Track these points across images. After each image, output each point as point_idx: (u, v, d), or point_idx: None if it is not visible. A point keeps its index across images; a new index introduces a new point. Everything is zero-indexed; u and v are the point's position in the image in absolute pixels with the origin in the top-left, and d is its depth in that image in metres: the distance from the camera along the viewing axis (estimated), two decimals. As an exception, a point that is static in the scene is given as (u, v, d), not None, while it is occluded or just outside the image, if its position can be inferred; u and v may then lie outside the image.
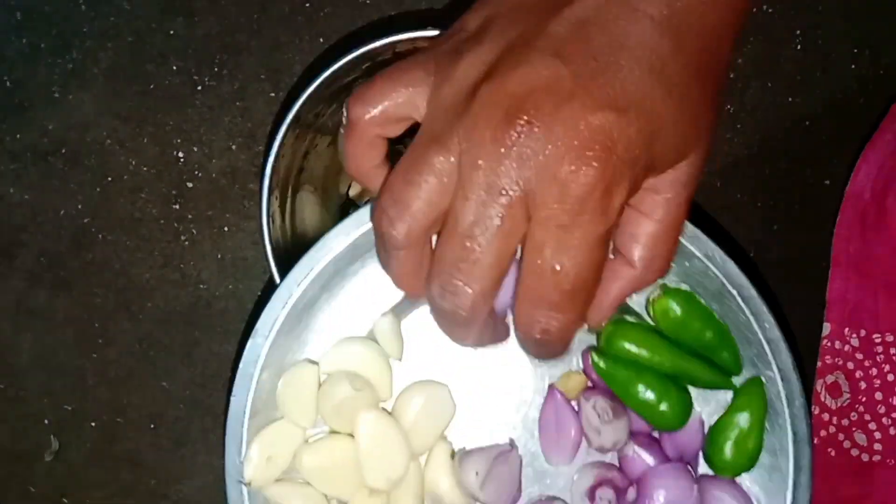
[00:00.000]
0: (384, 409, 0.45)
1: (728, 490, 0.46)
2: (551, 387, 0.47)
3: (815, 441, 0.56)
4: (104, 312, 0.58)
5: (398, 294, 0.45)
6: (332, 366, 0.45)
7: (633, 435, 0.46)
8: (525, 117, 0.34)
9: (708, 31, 0.37)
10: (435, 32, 0.48)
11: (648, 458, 0.46)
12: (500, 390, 0.47)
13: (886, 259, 0.56)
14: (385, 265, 0.39)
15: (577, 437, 0.46)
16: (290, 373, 0.45)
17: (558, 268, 0.35)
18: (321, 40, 0.59)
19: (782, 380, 0.45)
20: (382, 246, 0.38)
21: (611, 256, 0.39)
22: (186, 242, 0.58)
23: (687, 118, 0.36)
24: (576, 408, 0.47)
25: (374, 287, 0.45)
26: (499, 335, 0.41)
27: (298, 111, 0.48)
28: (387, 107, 0.38)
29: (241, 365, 0.44)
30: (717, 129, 0.39)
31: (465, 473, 0.45)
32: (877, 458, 0.55)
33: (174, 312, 0.58)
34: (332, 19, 0.59)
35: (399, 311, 0.46)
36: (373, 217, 0.38)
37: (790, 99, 0.59)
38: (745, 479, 0.46)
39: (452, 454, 0.46)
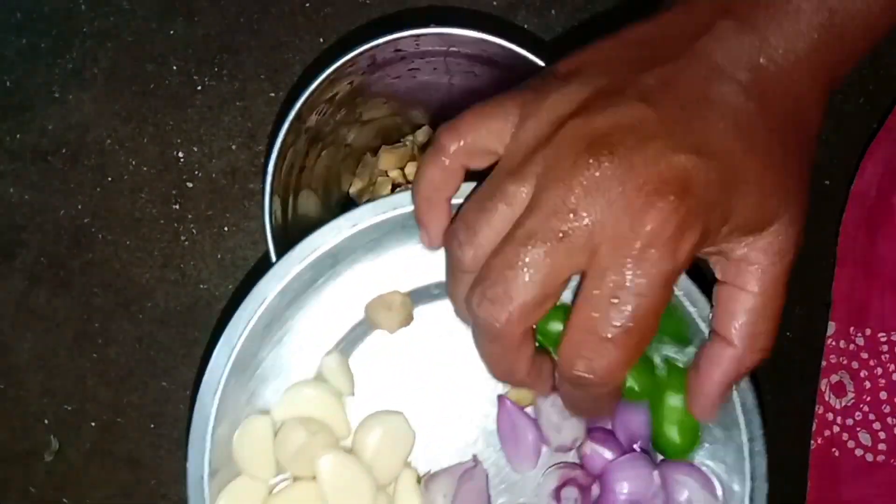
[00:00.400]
0: (343, 448, 0.45)
1: (687, 472, 0.45)
2: (500, 397, 0.46)
3: (819, 441, 0.56)
4: (104, 312, 0.58)
5: (341, 331, 0.45)
6: (285, 413, 0.45)
7: (588, 432, 0.47)
8: (607, 150, 0.34)
9: (795, 99, 0.37)
10: (436, 31, 0.48)
11: (606, 453, 0.46)
12: (457, 408, 0.47)
13: (892, 258, 0.56)
14: (450, 286, 0.39)
15: (536, 441, 0.46)
16: (242, 427, 0.44)
17: (616, 300, 0.34)
18: (321, 40, 0.59)
19: None
20: (450, 268, 0.38)
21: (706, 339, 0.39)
22: (186, 242, 0.58)
23: (769, 179, 0.36)
24: (531, 414, 0.47)
25: (314, 328, 0.45)
26: (536, 381, 0.40)
27: (298, 111, 0.48)
28: (476, 137, 0.38)
29: (192, 427, 0.44)
30: (808, 203, 0.38)
31: (432, 497, 0.45)
32: (881, 458, 0.55)
33: (174, 312, 0.58)
34: (332, 19, 0.59)
35: (345, 349, 0.46)
36: (446, 239, 0.38)
37: (790, 99, 0.59)
38: (703, 458, 0.46)
39: (418, 479, 0.46)
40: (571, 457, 0.47)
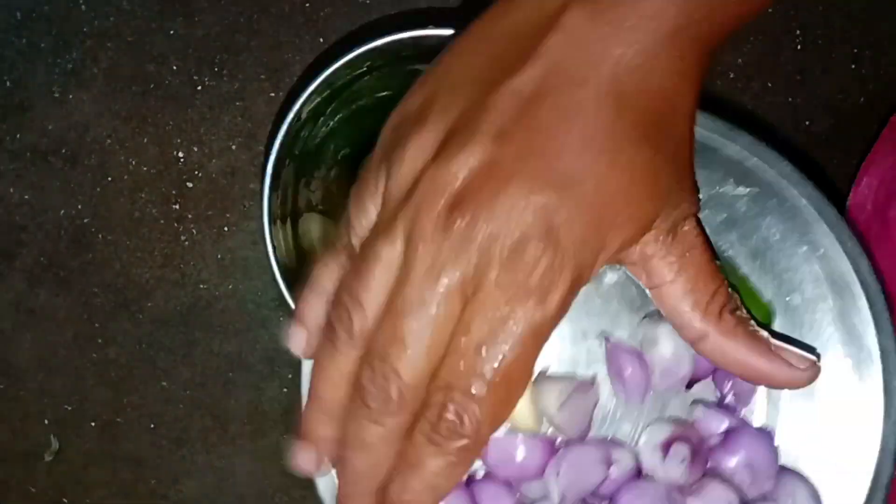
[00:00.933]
0: None
1: (801, 485, 0.45)
2: (606, 339, 0.46)
3: None
4: (104, 312, 0.58)
5: None
6: None
7: (697, 402, 0.45)
8: (465, 205, 0.33)
9: (659, 85, 0.35)
10: (436, 32, 0.48)
11: (722, 421, 0.45)
12: (592, 323, 0.46)
13: (889, 271, 0.56)
14: (325, 361, 0.37)
15: (644, 377, 0.45)
16: None
17: (484, 352, 0.33)
18: (321, 40, 0.59)
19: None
20: (332, 344, 0.36)
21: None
22: (186, 242, 0.58)
23: (640, 190, 0.35)
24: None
25: None
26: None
27: (298, 111, 0.48)
28: (361, 219, 0.36)
29: None
30: (691, 174, 0.37)
31: (543, 394, 0.44)
32: None
33: (174, 312, 0.58)
34: (332, 19, 0.59)
35: None
36: (332, 309, 0.37)
37: (790, 99, 0.59)
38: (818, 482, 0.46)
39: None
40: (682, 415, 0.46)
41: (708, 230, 0.44)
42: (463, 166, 0.33)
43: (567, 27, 0.34)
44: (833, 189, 0.57)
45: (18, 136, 0.58)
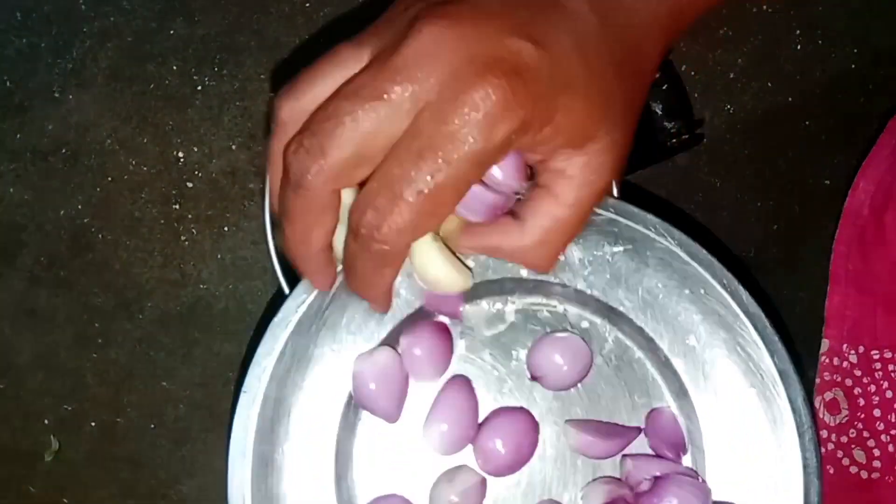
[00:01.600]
0: None
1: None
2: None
3: None
4: (104, 312, 0.58)
5: None
6: None
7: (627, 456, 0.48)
8: (442, 17, 0.35)
9: (635, 32, 0.38)
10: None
11: (651, 468, 0.47)
12: None
13: (885, 275, 0.56)
14: (270, 143, 0.39)
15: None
16: None
17: (422, 165, 0.35)
18: (321, 40, 0.59)
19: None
20: (273, 127, 0.39)
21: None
22: (186, 242, 0.58)
23: (596, 92, 0.37)
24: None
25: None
26: (321, 266, 0.41)
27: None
28: (320, 92, 0.37)
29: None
30: (632, 130, 0.39)
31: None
32: (875, 475, 0.55)
33: (174, 312, 0.58)
34: (331, 19, 0.59)
35: None
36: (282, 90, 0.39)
37: (790, 99, 0.59)
38: None
39: None
40: (610, 470, 0.48)
41: (596, 292, 0.47)
42: (456, 2, 0.36)
43: None
44: (702, 230, 0.57)
45: (18, 136, 0.58)
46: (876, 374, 0.55)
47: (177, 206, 0.58)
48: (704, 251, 0.48)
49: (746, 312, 0.47)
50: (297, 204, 0.37)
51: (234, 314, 0.58)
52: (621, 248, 0.48)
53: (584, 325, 0.50)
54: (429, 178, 0.35)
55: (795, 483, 0.47)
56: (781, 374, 0.47)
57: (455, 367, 0.49)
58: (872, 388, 0.55)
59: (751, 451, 0.48)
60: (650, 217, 0.47)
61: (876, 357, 0.55)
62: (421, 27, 0.35)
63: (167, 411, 0.57)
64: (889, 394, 0.55)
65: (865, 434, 0.55)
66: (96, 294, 0.58)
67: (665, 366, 0.49)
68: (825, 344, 0.56)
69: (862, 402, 0.55)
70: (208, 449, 0.57)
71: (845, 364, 0.56)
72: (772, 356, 0.47)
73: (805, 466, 0.47)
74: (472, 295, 0.48)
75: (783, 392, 0.47)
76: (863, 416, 0.55)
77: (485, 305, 0.49)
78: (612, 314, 0.49)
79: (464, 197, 0.37)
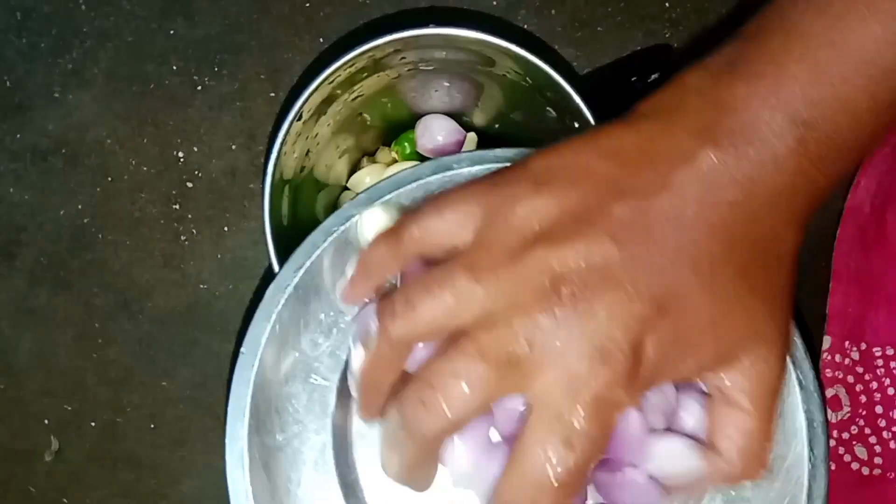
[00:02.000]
0: None
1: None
2: None
3: None
4: (104, 312, 0.58)
5: None
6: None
7: None
8: (572, 289, 0.34)
9: (764, 233, 0.36)
10: (436, 31, 0.48)
11: None
12: None
13: (887, 273, 0.56)
14: (368, 363, 0.38)
15: None
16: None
17: (566, 443, 0.34)
18: (321, 40, 0.59)
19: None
20: (375, 341, 0.37)
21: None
22: (186, 242, 0.58)
23: (729, 324, 0.36)
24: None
25: None
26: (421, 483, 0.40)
27: (299, 111, 0.48)
28: (437, 225, 0.37)
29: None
30: (789, 325, 0.38)
31: None
32: (877, 471, 0.55)
33: (174, 312, 0.58)
34: (332, 19, 0.59)
35: None
36: (380, 307, 0.37)
37: (790, 99, 0.59)
38: None
39: None
40: None
41: None
42: (576, 256, 0.34)
43: (697, 165, 0.35)
44: None
45: (18, 136, 0.58)
46: (878, 371, 0.55)
47: (177, 206, 0.58)
48: None
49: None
50: (408, 452, 0.37)
51: (235, 314, 0.58)
52: None
53: None
54: (557, 470, 0.34)
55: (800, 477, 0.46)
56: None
57: None
58: (874, 384, 0.55)
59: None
60: None
61: (878, 354, 0.55)
62: (551, 299, 0.34)
63: (167, 411, 0.57)
64: (891, 391, 0.55)
65: (867, 431, 0.55)
66: (96, 294, 0.58)
67: None
68: (827, 341, 0.56)
69: (864, 398, 0.55)
70: (208, 449, 0.57)
71: (847, 361, 0.56)
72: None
73: (812, 465, 0.46)
74: None
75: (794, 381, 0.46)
76: (864, 412, 0.55)
77: None
78: None
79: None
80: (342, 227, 0.45)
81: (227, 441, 0.46)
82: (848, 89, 0.36)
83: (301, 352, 0.47)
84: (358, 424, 0.49)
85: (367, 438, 0.49)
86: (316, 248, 0.46)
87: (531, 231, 0.35)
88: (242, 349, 0.46)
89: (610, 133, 0.37)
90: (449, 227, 0.37)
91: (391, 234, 0.38)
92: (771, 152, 0.35)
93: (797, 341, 0.46)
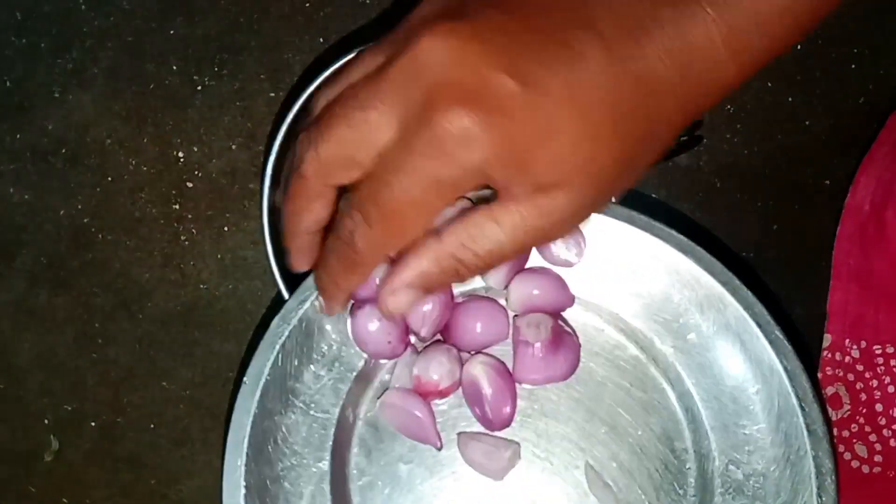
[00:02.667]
0: None
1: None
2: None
3: None
4: (104, 312, 0.58)
5: None
6: None
7: None
8: (440, 38, 0.36)
9: (654, 83, 0.37)
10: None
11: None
12: None
13: (887, 271, 0.56)
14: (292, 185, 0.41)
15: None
16: None
17: (389, 183, 0.37)
18: (321, 40, 0.59)
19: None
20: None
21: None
22: (186, 242, 0.58)
23: (581, 145, 0.37)
24: None
25: None
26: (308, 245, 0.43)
27: (299, 111, 0.48)
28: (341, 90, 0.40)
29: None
30: (616, 190, 0.39)
31: None
32: (877, 469, 0.55)
33: (174, 312, 0.58)
34: (332, 19, 0.59)
35: None
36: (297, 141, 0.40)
37: (790, 99, 0.59)
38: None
39: None
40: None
41: (600, 287, 0.48)
42: (448, 10, 0.37)
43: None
44: (703, 230, 0.57)
45: (18, 136, 0.58)
46: (878, 369, 0.55)
47: (177, 206, 0.58)
48: (699, 248, 0.48)
49: (753, 314, 0.47)
50: (293, 186, 0.40)
51: (234, 314, 0.58)
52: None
53: (583, 324, 0.50)
54: (392, 197, 0.37)
55: (806, 482, 0.46)
56: (789, 373, 0.47)
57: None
58: (874, 382, 0.55)
59: (764, 447, 0.47)
60: (647, 220, 0.47)
61: (878, 352, 0.55)
62: (418, 39, 0.36)
63: (167, 411, 0.57)
64: (891, 389, 0.55)
65: (867, 429, 0.55)
66: (96, 294, 0.58)
67: (667, 366, 0.49)
68: (827, 339, 0.56)
69: (864, 396, 0.55)
70: (208, 449, 0.57)
71: (847, 359, 0.56)
72: (777, 353, 0.47)
73: (818, 467, 0.46)
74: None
75: (792, 392, 0.47)
76: (865, 410, 0.55)
77: None
78: (609, 314, 0.49)
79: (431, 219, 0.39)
80: None
81: (224, 470, 0.46)
82: None
83: (302, 383, 0.47)
84: (357, 459, 0.49)
85: (365, 473, 0.49)
86: None
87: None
88: (245, 379, 0.46)
89: None
90: (364, 134, 0.38)
91: (294, 177, 0.41)
92: (690, 30, 0.36)
93: (807, 386, 0.46)
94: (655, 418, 0.49)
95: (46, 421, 0.57)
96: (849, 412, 0.55)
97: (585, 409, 0.49)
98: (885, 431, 0.55)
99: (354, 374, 0.48)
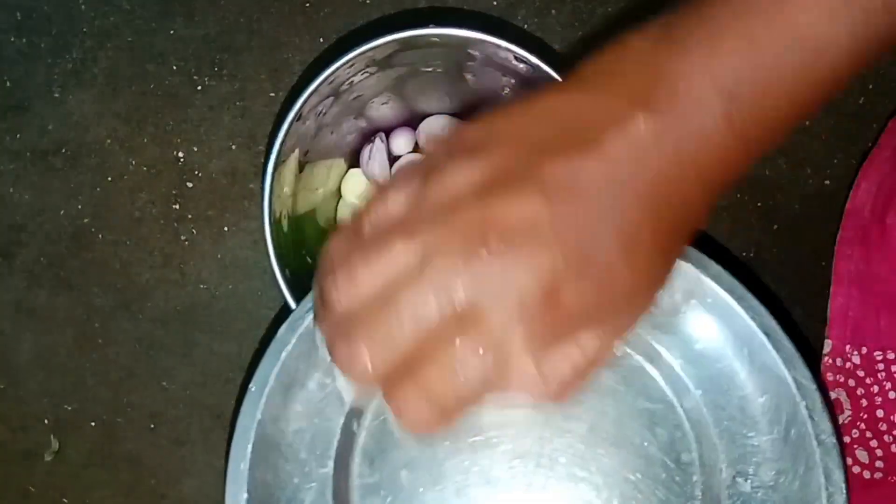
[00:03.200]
0: None
1: None
2: None
3: None
4: (104, 312, 0.58)
5: None
6: None
7: None
8: (499, 244, 0.35)
9: (682, 202, 0.37)
10: (436, 31, 0.48)
11: None
12: None
13: (888, 276, 0.56)
14: (318, 319, 0.39)
15: None
16: None
17: (445, 379, 0.35)
18: (321, 40, 0.59)
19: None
20: (318, 304, 0.38)
21: None
22: (186, 242, 0.58)
23: (643, 293, 0.37)
24: None
25: None
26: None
27: (299, 110, 0.48)
28: (373, 284, 0.37)
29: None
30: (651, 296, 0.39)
31: None
32: (878, 475, 0.55)
33: (174, 312, 0.58)
34: (332, 19, 0.59)
35: None
36: (318, 276, 0.38)
37: (790, 99, 0.59)
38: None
39: None
40: None
41: None
42: (505, 210, 0.35)
43: (629, 128, 0.35)
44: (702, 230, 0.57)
45: (18, 136, 0.58)
46: (879, 375, 0.55)
47: (177, 206, 0.58)
48: (715, 264, 0.47)
49: (759, 323, 0.47)
50: (324, 323, 0.38)
51: (234, 314, 0.58)
52: None
53: None
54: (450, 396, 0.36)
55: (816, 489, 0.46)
56: (798, 385, 0.46)
57: None
58: (875, 388, 0.55)
59: (776, 455, 0.47)
60: None
61: (879, 358, 0.55)
62: (478, 251, 0.35)
63: (167, 411, 0.57)
64: (892, 394, 0.55)
65: (868, 434, 0.55)
66: (96, 294, 0.58)
67: (671, 375, 0.48)
68: (828, 344, 0.56)
69: (865, 402, 0.55)
70: (208, 449, 0.57)
71: (848, 365, 0.56)
72: (787, 366, 0.46)
73: (827, 476, 0.46)
74: None
75: (801, 403, 0.46)
76: (866, 416, 0.55)
77: None
78: None
79: None
80: None
81: (227, 476, 0.46)
82: (779, 67, 0.36)
83: (308, 392, 0.47)
84: (360, 469, 0.49)
85: (368, 484, 0.49)
86: None
87: (464, 189, 0.36)
88: (251, 386, 0.46)
89: (546, 97, 0.37)
90: (388, 197, 0.37)
91: (345, 230, 0.39)
92: (699, 124, 0.36)
93: (816, 396, 0.46)
94: (661, 429, 0.49)
95: (46, 421, 0.57)
96: (850, 418, 0.55)
97: (590, 419, 0.49)
98: (886, 437, 0.55)
99: None
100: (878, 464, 0.55)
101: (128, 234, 0.58)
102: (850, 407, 0.55)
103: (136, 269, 0.58)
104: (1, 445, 0.57)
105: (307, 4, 0.59)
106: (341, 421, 0.48)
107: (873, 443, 0.55)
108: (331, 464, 0.47)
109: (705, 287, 0.47)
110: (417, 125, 0.58)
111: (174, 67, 0.58)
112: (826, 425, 0.46)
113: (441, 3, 0.59)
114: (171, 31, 0.58)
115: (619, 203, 0.36)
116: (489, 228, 0.35)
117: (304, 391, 0.47)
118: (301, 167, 0.52)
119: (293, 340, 0.46)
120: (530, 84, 0.50)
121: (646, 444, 0.48)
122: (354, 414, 0.48)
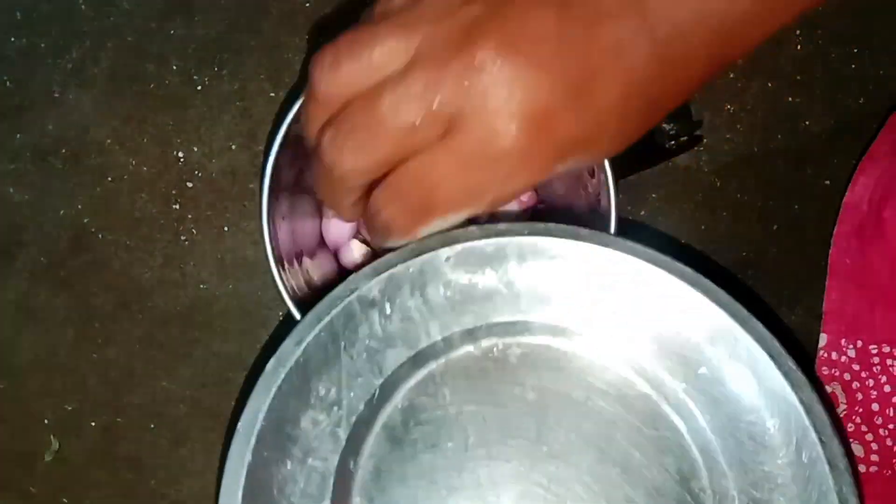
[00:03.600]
0: None
1: None
2: None
3: None
4: (104, 312, 0.58)
5: None
6: None
7: None
8: (497, 58, 0.35)
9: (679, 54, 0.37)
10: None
11: None
12: None
13: (884, 270, 0.56)
14: (304, 108, 0.40)
15: None
16: None
17: (420, 188, 0.37)
18: (321, 40, 0.59)
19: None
20: (307, 91, 0.39)
21: None
22: (186, 242, 0.58)
23: (627, 135, 0.38)
24: None
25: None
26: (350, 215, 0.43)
27: (299, 111, 0.48)
28: (359, 75, 0.38)
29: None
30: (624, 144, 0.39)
31: None
32: (873, 468, 0.55)
33: (174, 312, 0.58)
34: (331, 19, 0.59)
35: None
36: (312, 60, 0.39)
37: (790, 99, 0.59)
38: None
39: None
40: None
41: (604, 322, 0.47)
42: (522, 19, 0.35)
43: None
44: (702, 230, 0.57)
45: (18, 136, 0.58)
46: (874, 369, 0.55)
47: (177, 206, 0.58)
48: (708, 280, 0.46)
49: (764, 346, 0.46)
50: (327, 184, 0.39)
51: (234, 314, 0.58)
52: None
53: (589, 361, 0.48)
54: (414, 202, 0.38)
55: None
56: (805, 404, 0.46)
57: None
58: (871, 382, 0.55)
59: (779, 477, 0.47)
60: (652, 252, 0.46)
61: (874, 352, 0.55)
62: (489, 60, 0.35)
63: (167, 411, 0.57)
64: (887, 388, 0.55)
65: (864, 428, 0.55)
66: (96, 294, 0.58)
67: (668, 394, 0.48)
68: (823, 338, 0.56)
69: (860, 396, 0.55)
70: (208, 449, 0.57)
71: (843, 359, 0.56)
72: (792, 387, 0.46)
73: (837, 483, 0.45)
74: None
75: (810, 426, 0.45)
76: (861, 410, 0.55)
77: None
78: (615, 350, 0.48)
79: None
80: (346, 300, 0.44)
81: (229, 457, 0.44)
82: None
83: (300, 430, 0.45)
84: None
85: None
86: (320, 321, 0.44)
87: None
88: (238, 426, 0.43)
89: None
90: (379, 60, 0.37)
91: (312, 103, 0.39)
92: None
93: (825, 419, 0.45)
94: (670, 457, 0.47)
95: (46, 421, 0.57)
96: (845, 412, 0.55)
97: (596, 449, 0.47)
98: (881, 431, 0.55)
99: (354, 418, 0.46)
100: (874, 457, 0.55)
101: (128, 234, 0.58)
102: (845, 401, 0.55)
103: (136, 269, 0.58)
104: (1, 445, 0.57)
105: (307, 4, 0.59)
106: (336, 460, 0.46)
107: (868, 436, 0.55)
108: None
109: (708, 310, 0.46)
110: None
111: (174, 67, 0.58)
112: (837, 448, 0.44)
113: (441, 3, 0.59)
114: (171, 31, 0.58)
115: (621, 39, 0.35)
116: (496, 37, 0.35)
117: (296, 430, 0.45)
118: (301, 167, 0.52)
119: (282, 376, 0.44)
120: None
121: (654, 473, 0.47)
122: (351, 452, 0.46)
